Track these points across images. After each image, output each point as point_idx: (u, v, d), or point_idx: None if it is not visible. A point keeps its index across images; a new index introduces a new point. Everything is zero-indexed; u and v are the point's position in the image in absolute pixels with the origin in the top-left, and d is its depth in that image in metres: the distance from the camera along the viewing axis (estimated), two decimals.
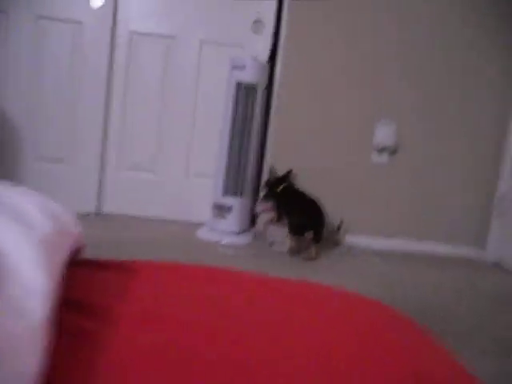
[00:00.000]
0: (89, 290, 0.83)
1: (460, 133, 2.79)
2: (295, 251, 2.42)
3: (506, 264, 2.69)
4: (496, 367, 1.43)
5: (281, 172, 2.58)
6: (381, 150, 2.74)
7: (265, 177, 2.73)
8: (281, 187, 2.54)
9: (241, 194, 2.59)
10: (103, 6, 2.59)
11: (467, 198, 2.83)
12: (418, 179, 2.80)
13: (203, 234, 2.60)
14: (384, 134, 2.72)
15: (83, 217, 2.64)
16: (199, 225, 2.67)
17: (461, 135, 2.80)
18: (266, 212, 2.62)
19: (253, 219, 2.75)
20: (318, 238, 2.42)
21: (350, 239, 2.69)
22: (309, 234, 2.42)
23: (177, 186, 2.80)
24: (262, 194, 2.65)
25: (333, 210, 2.59)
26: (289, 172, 2.59)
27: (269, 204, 2.59)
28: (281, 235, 2.49)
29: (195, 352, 0.67)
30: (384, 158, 2.76)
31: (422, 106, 2.76)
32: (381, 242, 2.74)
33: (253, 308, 0.86)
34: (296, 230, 2.44)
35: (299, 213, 2.48)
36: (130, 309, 0.77)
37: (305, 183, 2.65)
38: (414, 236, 2.80)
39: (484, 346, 1.61)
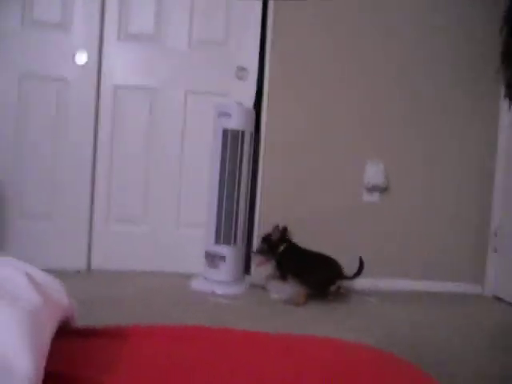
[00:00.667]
0: (74, 361, 0.79)
1: (449, 169, 2.81)
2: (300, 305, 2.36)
3: (505, 297, 2.67)
4: None
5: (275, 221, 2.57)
6: (371, 189, 2.74)
7: (257, 224, 2.70)
8: (282, 247, 2.52)
9: (233, 242, 2.55)
10: (87, 62, 2.61)
11: (461, 233, 2.82)
12: (410, 217, 2.79)
13: (197, 284, 2.54)
14: (373, 173, 2.72)
15: (74, 274, 2.58)
16: (192, 275, 2.62)
17: (450, 172, 2.81)
18: (263, 265, 2.59)
19: (247, 268, 2.71)
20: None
21: (346, 281, 2.64)
22: (334, 287, 2.43)
23: (167, 237, 2.75)
24: (256, 247, 2.61)
25: (329, 253, 2.55)
26: (285, 229, 2.56)
27: (265, 258, 2.57)
28: (283, 289, 2.45)
29: None
30: (375, 197, 2.76)
31: (409, 144, 2.78)
32: (377, 283, 2.69)
33: (248, 370, 0.81)
34: (320, 287, 2.42)
35: (319, 269, 2.45)
36: (118, 380, 0.72)
37: (298, 228, 2.62)
38: (411, 275, 2.77)
39: None
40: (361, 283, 2.64)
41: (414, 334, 2.08)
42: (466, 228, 2.82)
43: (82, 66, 2.61)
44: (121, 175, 2.71)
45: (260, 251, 2.59)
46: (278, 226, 2.55)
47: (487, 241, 2.80)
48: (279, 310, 2.28)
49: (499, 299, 2.71)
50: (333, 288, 2.43)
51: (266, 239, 2.57)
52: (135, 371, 0.80)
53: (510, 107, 2.72)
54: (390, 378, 0.81)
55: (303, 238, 2.58)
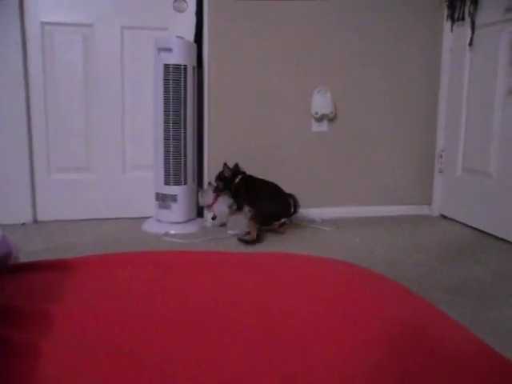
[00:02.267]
0: (18, 295, 0.73)
1: (394, 95, 2.81)
2: (256, 241, 2.31)
3: (450, 215, 2.78)
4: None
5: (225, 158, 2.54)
6: (320, 119, 2.72)
7: (207, 162, 2.65)
8: (238, 179, 2.49)
9: (184, 181, 2.49)
10: None
11: (408, 158, 2.87)
12: (359, 144, 2.81)
13: (149, 226, 2.49)
14: (321, 102, 2.69)
15: (19, 227, 2.47)
16: (144, 219, 2.56)
17: (395, 97, 2.82)
18: (214, 204, 2.57)
19: (199, 210, 2.67)
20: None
21: (300, 212, 2.65)
22: (278, 223, 2.43)
23: (115, 182, 2.66)
24: (209, 186, 2.58)
25: (282, 185, 2.54)
26: (236, 165, 2.56)
27: (214, 195, 2.56)
28: (239, 224, 2.42)
29: (143, 350, 0.59)
30: (324, 126, 2.75)
31: (354, 72, 2.75)
32: (329, 211, 2.73)
33: (213, 288, 0.79)
34: (265, 223, 2.38)
35: (265, 205, 2.41)
36: (67, 309, 0.68)
37: (249, 163, 2.60)
38: (361, 201, 2.83)
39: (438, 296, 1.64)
40: (313, 212, 2.67)
41: (373, 252, 2.14)
42: (413, 152, 2.88)
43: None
44: (58, 120, 2.56)
45: (216, 189, 2.56)
46: (226, 164, 2.52)
47: (433, 163, 2.87)
48: (236, 245, 2.27)
49: (445, 217, 2.82)
50: (277, 224, 2.43)
51: (221, 177, 2.54)
52: (83, 300, 0.76)
53: (451, 29, 2.73)
54: (373, 286, 0.82)
55: (255, 173, 2.56)
